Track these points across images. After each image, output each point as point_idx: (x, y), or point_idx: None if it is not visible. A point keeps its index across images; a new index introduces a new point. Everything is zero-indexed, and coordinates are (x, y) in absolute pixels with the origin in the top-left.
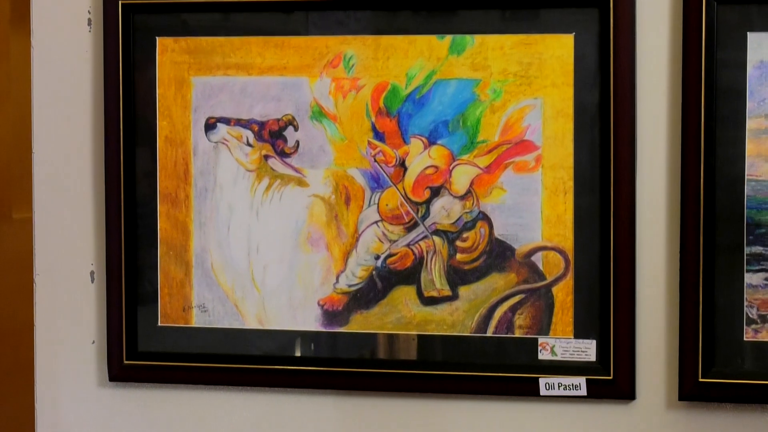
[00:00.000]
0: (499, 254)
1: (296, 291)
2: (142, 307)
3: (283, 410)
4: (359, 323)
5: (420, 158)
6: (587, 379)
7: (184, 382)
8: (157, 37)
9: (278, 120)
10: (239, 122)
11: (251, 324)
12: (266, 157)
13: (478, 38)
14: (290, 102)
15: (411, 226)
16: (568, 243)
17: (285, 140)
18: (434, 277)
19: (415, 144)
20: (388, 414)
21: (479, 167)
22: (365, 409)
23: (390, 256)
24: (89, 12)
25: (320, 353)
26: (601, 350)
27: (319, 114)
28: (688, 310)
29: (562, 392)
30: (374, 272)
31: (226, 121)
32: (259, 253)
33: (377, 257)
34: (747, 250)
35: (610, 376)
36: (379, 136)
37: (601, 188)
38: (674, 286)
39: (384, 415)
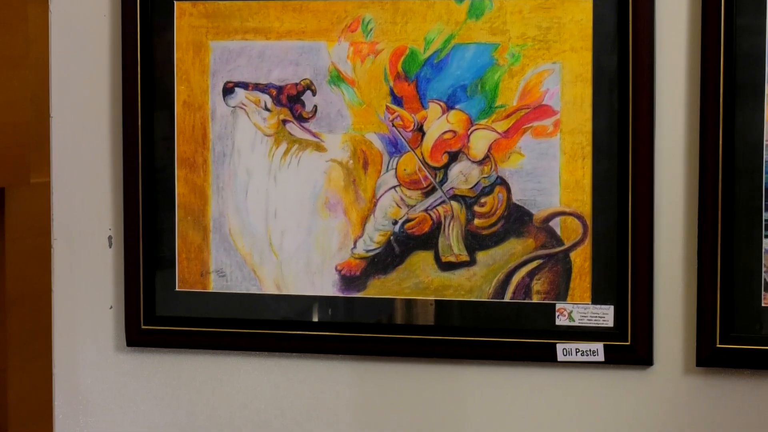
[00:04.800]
0: (516, 219)
1: (314, 256)
2: (159, 272)
3: (300, 375)
4: (377, 288)
5: (438, 123)
6: (605, 345)
7: (202, 347)
8: (175, 1)
9: (296, 84)
10: (257, 87)
11: (269, 289)
12: (284, 121)
13: (496, 2)
14: (308, 66)
15: (429, 191)
16: (586, 208)
17: (303, 105)
18: (452, 243)
19: (434, 108)
20: (405, 379)
21: (497, 132)
22: (382, 374)
23: (408, 221)
24: None
25: (337, 318)
26: (619, 316)
27: (337, 78)
28: (706, 276)
29: (579, 358)
30: (392, 237)
31: (244, 85)
32: (276, 218)
33: (395, 222)
34: (766, 215)
35: (627, 341)
36: (397, 100)
37: (619, 154)
38: (692, 251)
39: (401, 380)
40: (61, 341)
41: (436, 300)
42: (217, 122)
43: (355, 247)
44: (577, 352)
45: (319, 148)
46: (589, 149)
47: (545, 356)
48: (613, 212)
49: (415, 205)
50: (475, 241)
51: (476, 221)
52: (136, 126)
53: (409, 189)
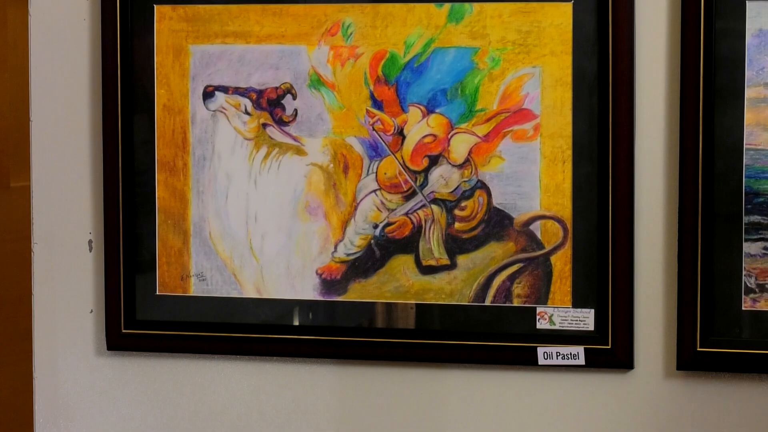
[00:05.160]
0: (497, 223)
1: (294, 260)
2: (140, 275)
3: (281, 379)
4: (357, 292)
5: (418, 127)
6: (585, 349)
7: (183, 350)
8: (154, 5)
9: (276, 88)
10: (237, 90)
11: (249, 293)
12: (264, 125)
13: (476, 6)
14: (288, 70)
15: (409, 195)
16: (566, 212)
17: (283, 108)
18: (432, 246)
19: (414, 112)
20: (386, 383)
21: (478, 136)
22: (363, 377)
23: (388, 224)
24: None
25: (318, 322)
26: (599, 319)
27: (317, 82)
28: (687, 280)
29: (560, 361)
30: (372, 241)
31: (225, 89)
32: (257, 221)
33: (375, 226)
34: (745, 219)
35: (608, 345)
36: (377, 104)
37: (599, 157)
38: (673, 255)
39: (382, 384)
40: (42, 345)
41: (416, 304)
42: (197, 126)
43: (335, 250)
44: (557, 356)
45: (300, 152)
46: (569, 153)
47: (526, 360)
48: (593, 216)
49: (395, 209)
50: (456, 245)
51: (457, 225)
52: (116, 130)
53: (390, 193)
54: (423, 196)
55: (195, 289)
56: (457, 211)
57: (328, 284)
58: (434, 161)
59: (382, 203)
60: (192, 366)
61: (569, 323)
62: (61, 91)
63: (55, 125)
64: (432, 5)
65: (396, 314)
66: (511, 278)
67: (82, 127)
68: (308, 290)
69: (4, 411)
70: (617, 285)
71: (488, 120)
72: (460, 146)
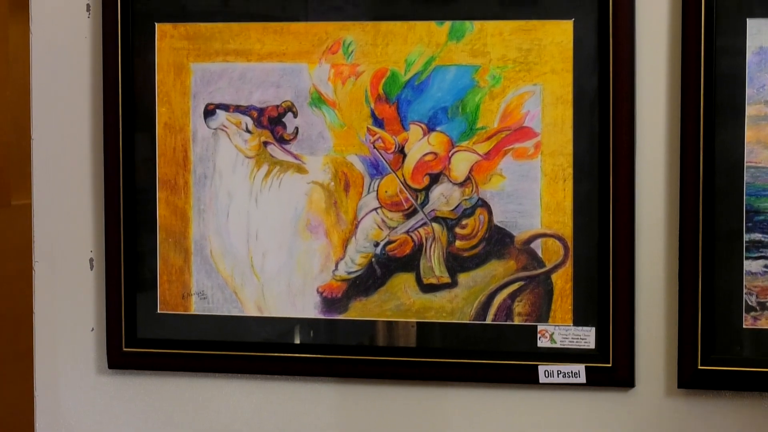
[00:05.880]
0: (498, 241)
1: (295, 278)
2: (141, 294)
3: (282, 397)
4: (358, 310)
5: (419, 145)
6: (586, 367)
7: (184, 369)
8: (156, 23)
9: (277, 106)
10: (238, 108)
11: (250, 311)
12: (265, 143)
13: (477, 24)
14: (289, 88)
15: (410, 213)
16: (567, 230)
17: (284, 127)
18: (433, 264)
19: (415, 130)
20: (387, 401)
21: (478, 154)
22: (364, 396)
23: (389, 243)
24: None
25: (319, 340)
26: (600, 337)
27: (318, 100)
28: (688, 298)
29: (561, 380)
30: (373, 259)
31: (226, 107)
32: (258, 240)
33: (376, 244)
34: (746, 237)
35: (609, 363)
36: (378, 122)
37: (600, 175)
38: (673, 273)
39: (383, 402)
40: (43, 363)
41: (417, 322)
42: (198, 144)
43: (336, 269)
44: (558, 374)
45: (301, 170)
46: (570, 171)
47: (527, 378)
48: (594, 234)
49: (396, 227)
50: (457, 263)
51: (457, 243)
52: (117, 148)
53: (391, 211)
54: (424, 214)
55: (196, 307)
56: (458, 229)
57: (329, 302)
58: (435, 179)
59: (383, 221)
60: (193, 384)
61: (570, 341)
62: (63, 108)
63: (56, 143)
64: (433, 23)
65: (397, 332)
66: (512, 296)
67: (83, 145)
68: (309, 308)
69: (5, 429)
70: (618, 303)
71: (489, 138)
72: (460, 164)
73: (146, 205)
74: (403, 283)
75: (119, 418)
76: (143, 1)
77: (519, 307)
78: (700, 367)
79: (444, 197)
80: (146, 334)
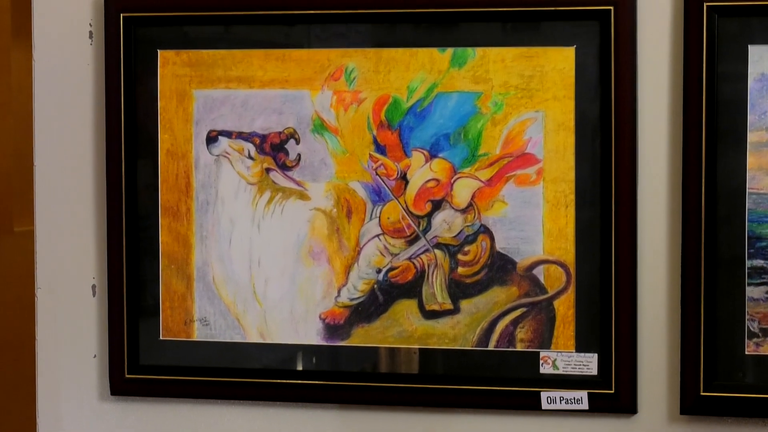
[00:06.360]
0: (500, 267)
1: (298, 304)
2: (143, 320)
3: (285, 424)
4: (361, 337)
5: (421, 171)
6: (589, 393)
7: (186, 395)
8: (158, 50)
9: (280, 133)
10: (241, 135)
11: (253, 338)
12: (268, 170)
13: (479, 51)
14: (292, 115)
15: (412, 240)
16: (569, 256)
17: (286, 153)
18: (436, 291)
19: (417, 157)
20: (389, 428)
21: (480, 180)
22: (367, 422)
23: (391, 269)
24: (90, 25)
25: (322, 367)
26: (603, 364)
27: (320, 127)
28: (690, 324)
29: (563, 406)
30: (376, 286)
31: (228, 134)
32: (260, 266)
33: (379, 271)
34: (748, 263)
35: (611, 389)
36: (380, 149)
37: (602, 202)
38: (675, 299)
39: (386, 429)
40: (45, 390)
41: (420, 348)
42: (200, 171)
43: (338, 295)
44: (561, 401)
45: (303, 196)
46: (572, 197)
47: (529, 404)
48: (596, 260)
49: (398, 254)
50: (459, 290)
51: (460, 269)
52: (120, 174)
53: (393, 237)
54: (426, 240)
55: (198, 333)
56: (460, 256)
57: (332, 329)
58: (437, 206)
59: (386, 248)
60: (196, 411)
61: (573, 368)
62: (65, 135)
63: (58, 170)
64: (435, 50)
65: (399, 359)
66: (515, 323)
67: (85, 171)
68: (312, 335)
69: None
70: (620, 329)
71: (491, 164)
72: (463, 191)
73: (148, 231)
74: (405, 309)
75: None
76: (146, 28)
77: (521, 333)
78: (702, 393)
79: (446, 224)
80: (149, 360)
